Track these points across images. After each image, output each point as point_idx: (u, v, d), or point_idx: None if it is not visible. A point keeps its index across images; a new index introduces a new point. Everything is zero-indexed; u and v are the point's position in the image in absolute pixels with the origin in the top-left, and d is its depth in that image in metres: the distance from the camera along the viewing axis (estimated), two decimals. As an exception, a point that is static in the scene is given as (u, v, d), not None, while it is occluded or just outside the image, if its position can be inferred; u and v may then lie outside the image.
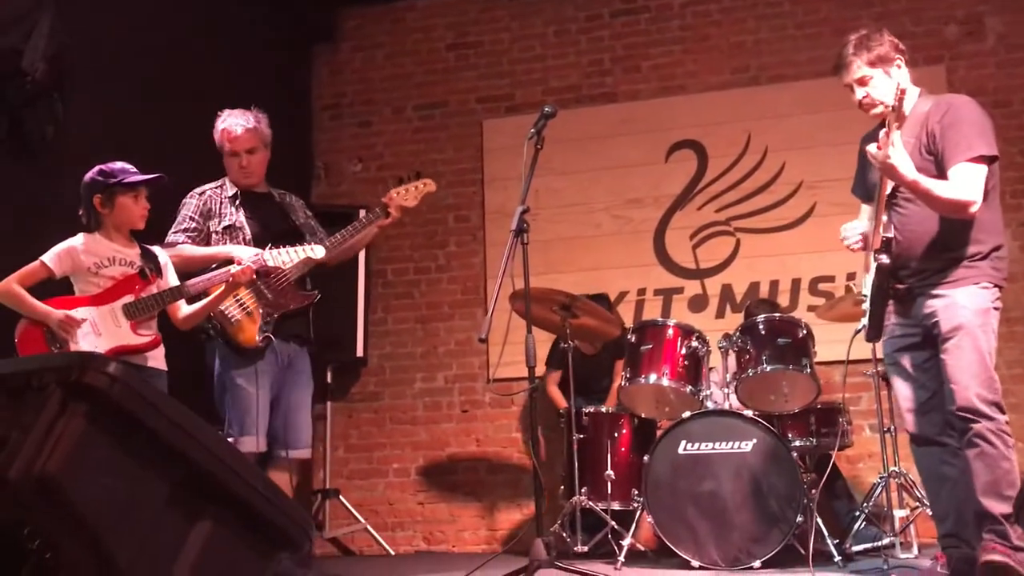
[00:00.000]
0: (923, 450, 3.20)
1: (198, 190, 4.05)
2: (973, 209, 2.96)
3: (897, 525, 4.15)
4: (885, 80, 3.11)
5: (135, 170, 3.63)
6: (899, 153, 2.90)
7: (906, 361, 3.18)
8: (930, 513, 3.46)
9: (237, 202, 4.02)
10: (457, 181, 6.22)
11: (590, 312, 4.72)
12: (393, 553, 5.66)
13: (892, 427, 4.39)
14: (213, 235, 3.95)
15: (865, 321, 3.22)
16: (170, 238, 3.93)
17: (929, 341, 3.10)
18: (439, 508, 5.90)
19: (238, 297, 3.82)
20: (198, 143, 4.82)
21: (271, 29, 5.97)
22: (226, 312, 3.82)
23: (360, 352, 5.81)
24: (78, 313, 3.46)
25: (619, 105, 6.06)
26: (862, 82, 3.14)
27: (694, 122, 5.90)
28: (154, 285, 3.60)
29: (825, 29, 5.79)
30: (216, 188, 4.05)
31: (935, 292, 3.05)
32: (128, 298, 3.53)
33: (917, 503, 4.24)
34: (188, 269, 3.79)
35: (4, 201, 3.81)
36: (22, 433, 1.91)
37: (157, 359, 3.60)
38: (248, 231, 3.96)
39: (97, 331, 3.47)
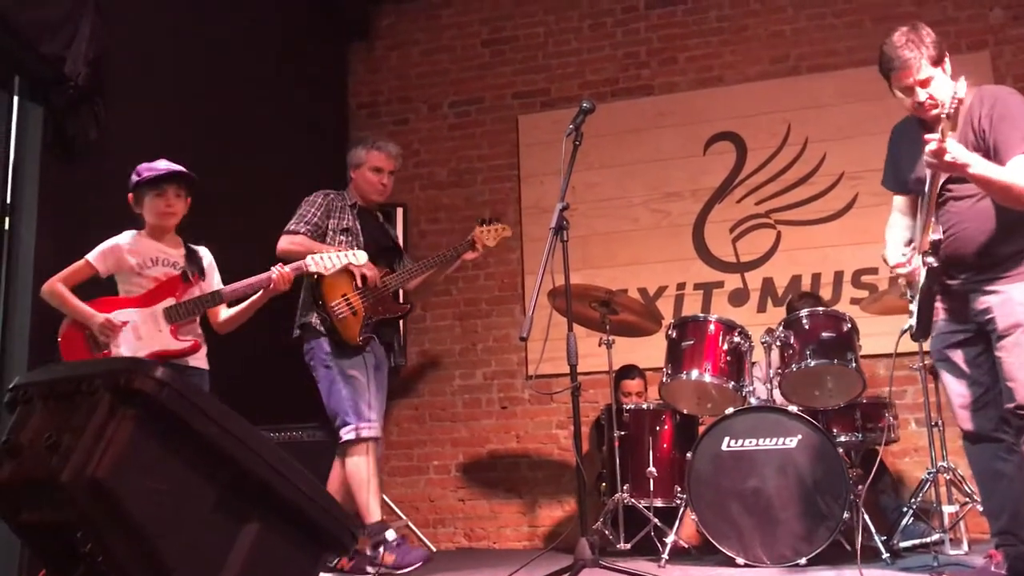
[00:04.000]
0: (977, 447, 3.14)
1: (324, 191, 4.31)
2: None
3: (946, 521, 4.07)
4: (943, 79, 2.99)
5: (164, 166, 3.58)
6: (956, 146, 2.82)
7: (958, 357, 3.12)
8: (981, 510, 3.41)
9: (355, 211, 4.32)
10: (493, 177, 6.22)
11: (629, 307, 4.69)
12: (435, 549, 5.67)
13: (940, 421, 4.31)
14: (330, 233, 4.22)
15: (912, 321, 3.16)
16: (291, 227, 4.17)
17: (982, 337, 3.04)
18: (480, 505, 5.90)
19: (347, 298, 4.11)
20: (238, 143, 4.87)
21: (307, 29, 6.00)
22: (336, 310, 4.08)
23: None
24: (120, 315, 3.42)
25: (656, 98, 6.01)
26: (925, 83, 2.99)
27: (732, 114, 5.83)
28: (196, 287, 3.58)
29: (865, 17, 5.70)
30: (337, 194, 4.35)
31: (989, 288, 2.99)
32: (170, 301, 3.51)
33: (967, 499, 4.16)
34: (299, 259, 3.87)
35: (48, 204, 3.84)
36: (73, 437, 1.94)
37: (198, 359, 3.60)
38: (361, 237, 4.24)
39: (138, 335, 3.43)
